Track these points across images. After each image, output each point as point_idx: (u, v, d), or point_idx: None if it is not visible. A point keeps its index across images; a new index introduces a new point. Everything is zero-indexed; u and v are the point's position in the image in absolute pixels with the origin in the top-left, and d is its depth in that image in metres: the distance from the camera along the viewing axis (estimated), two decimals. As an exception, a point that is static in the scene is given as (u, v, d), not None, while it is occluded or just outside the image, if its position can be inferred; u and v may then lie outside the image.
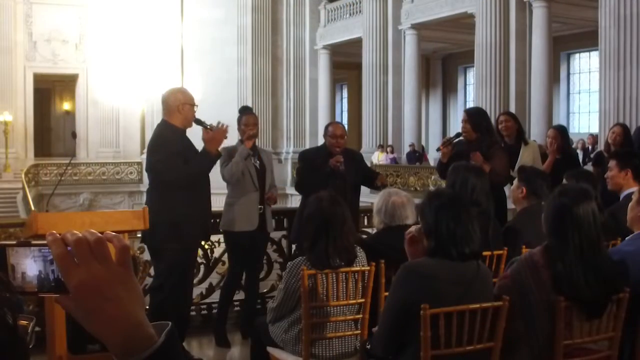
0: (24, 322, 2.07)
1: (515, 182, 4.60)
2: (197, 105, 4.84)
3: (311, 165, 5.78)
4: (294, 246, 6.33)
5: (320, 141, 6.26)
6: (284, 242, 6.36)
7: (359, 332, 3.75)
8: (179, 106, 4.71)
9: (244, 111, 5.75)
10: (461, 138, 5.88)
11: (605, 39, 11.20)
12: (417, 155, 21.31)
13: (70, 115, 29.03)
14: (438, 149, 5.91)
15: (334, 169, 5.59)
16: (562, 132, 6.67)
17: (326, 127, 6.03)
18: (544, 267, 2.90)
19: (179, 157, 4.62)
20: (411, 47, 21.04)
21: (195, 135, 4.84)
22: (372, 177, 6.02)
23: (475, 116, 5.89)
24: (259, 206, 5.56)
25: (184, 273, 4.84)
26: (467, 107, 27.02)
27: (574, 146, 15.06)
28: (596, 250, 2.92)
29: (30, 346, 1.98)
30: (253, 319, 4.82)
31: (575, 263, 2.87)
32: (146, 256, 5.29)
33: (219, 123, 4.83)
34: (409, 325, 2.85)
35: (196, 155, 4.79)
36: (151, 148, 4.85)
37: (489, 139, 5.73)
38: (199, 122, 4.82)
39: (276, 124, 24.31)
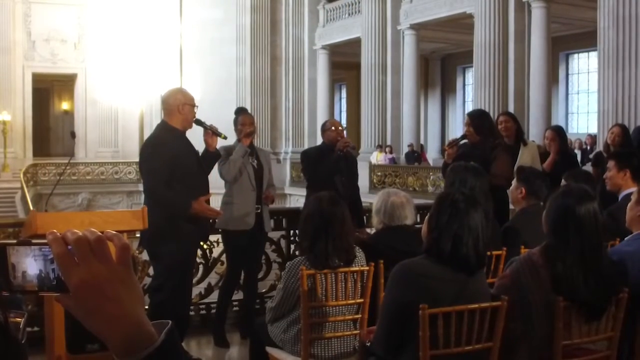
0: (16, 320, 2.07)
1: (514, 182, 4.61)
2: (197, 106, 4.83)
3: (316, 161, 5.90)
4: (292, 246, 6.34)
5: (320, 141, 6.33)
6: (282, 242, 6.36)
7: (357, 332, 3.75)
8: (179, 107, 4.68)
9: (240, 112, 5.80)
10: (466, 140, 5.92)
11: (604, 40, 11.21)
12: (416, 155, 21.31)
13: (69, 115, 29.01)
14: (443, 151, 5.99)
15: (343, 151, 5.80)
16: (559, 133, 6.69)
17: (324, 124, 6.28)
18: (543, 267, 2.90)
19: (168, 166, 4.54)
20: (410, 47, 21.04)
21: (196, 134, 4.84)
22: None
23: (477, 119, 5.92)
24: (256, 206, 5.56)
25: (184, 273, 4.82)
26: (466, 107, 27.16)
27: (571, 146, 15.08)
28: (597, 252, 2.92)
29: (22, 341, 1.98)
30: (252, 319, 4.83)
31: (575, 264, 2.87)
32: (145, 256, 5.28)
33: (220, 134, 4.87)
34: (407, 325, 2.85)
35: (194, 157, 4.75)
36: (143, 148, 4.85)
37: (492, 141, 5.76)
38: (199, 122, 4.82)
39: (275, 124, 24.32)
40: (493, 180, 4.94)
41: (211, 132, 4.85)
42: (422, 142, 24.44)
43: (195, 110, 4.80)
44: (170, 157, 4.56)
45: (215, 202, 5.68)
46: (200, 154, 4.87)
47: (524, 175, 4.55)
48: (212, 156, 4.98)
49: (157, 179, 4.58)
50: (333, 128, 6.04)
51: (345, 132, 6.12)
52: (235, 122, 5.65)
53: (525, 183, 4.47)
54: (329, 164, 5.81)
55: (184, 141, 4.74)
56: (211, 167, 5.05)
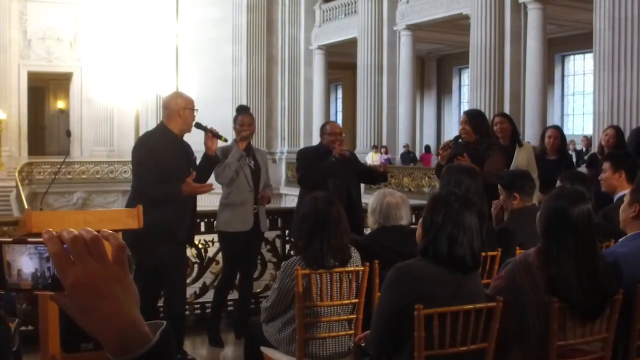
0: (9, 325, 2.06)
1: (503, 191, 4.59)
2: (197, 110, 4.80)
3: (312, 161, 5.84)
4: (287, 246, 6.34)
5: (316, 141, 6.31)
6: (277, 242, 6.36)
7: (352, 332, 3.75)
8: (179, 111, 4.67)
9: (240, 111, 5.74)
10: (460, 140, 5.90)
11: (599, 41, 11.23)
12: (411, 156, 21.33)
13: (64, 113, 28.93)
14: (438, 154, 5.96)
15: (339, 158, 5.67)
16: (562, 133, 6.73)
17: (323, 126, 6.16)
18: (539, 268, 2.90)
19: (156, 168, 4.55)
20: (406, 48, 21.06)
21: (195, 137, 4.84)
22: (368, 172, 6.24)
23: (476, 118, 5.91)
24: (254, 206, 5.55)
25: (162, 275, 4.79)
26: (462, 108, 27.16)
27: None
28: (591, 254, 2.93)
29: (14, 348, 1.98)
30: (247, 319, 4.81)
31: (570, 267, 2.87)
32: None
33: (221, 137, 4.84)
34: (402, 327, 2.85)
35: (184, 161, 4.70)
36: (134, 149, 4.84)
37: (487, 141, 5.76)
38: (200, 126, 4.81)
39: (270, 124, 24.32)
40: (485, 177, 4.93)
41: (211, 135, 4.83)
42: (417, 142, 24.46)
43: (196, 114, 4.79)
44: (159, 160, 4.56)
45: (214, 202, 5.68)
46: (199, 158, 4.88)
47: (506, 181, 4.55)
48: (211, 160, 4.97)
49: (144, 180, 4.61)
50: (336, 132, 5.92)
51: (343, 135, 6.00)
52: (235, 120, 5.63)
53: (517, 189, 4.47)
54: (323, 166, 5.75)
55: (175, 145, 4.72)
56: (211, 170, 5.05)
